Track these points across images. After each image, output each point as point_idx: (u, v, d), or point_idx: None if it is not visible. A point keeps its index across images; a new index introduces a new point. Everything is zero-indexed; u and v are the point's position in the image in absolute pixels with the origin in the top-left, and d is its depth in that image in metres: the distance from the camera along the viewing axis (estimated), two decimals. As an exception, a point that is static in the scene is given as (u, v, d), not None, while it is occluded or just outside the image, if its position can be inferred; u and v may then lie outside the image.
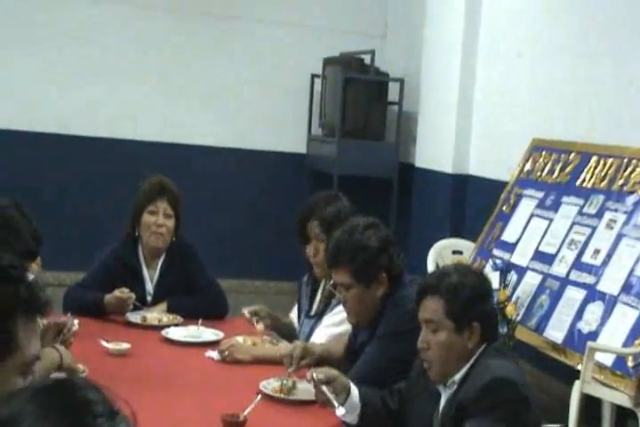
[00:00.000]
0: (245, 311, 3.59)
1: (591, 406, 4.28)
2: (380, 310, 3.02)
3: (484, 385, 2.43)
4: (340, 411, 2.65)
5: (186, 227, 4.05)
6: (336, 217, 3.42)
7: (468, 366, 2.54)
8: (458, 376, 2.55)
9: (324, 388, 2.65)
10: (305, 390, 2.88)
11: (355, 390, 2.72)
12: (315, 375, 2.67)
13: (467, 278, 2.56)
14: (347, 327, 3.27)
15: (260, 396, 2.76)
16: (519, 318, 4.90)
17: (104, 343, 3.28)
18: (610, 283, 4.49)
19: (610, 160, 5.04)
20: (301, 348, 3.15)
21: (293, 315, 3.78)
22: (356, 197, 7.26)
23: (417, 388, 2.72)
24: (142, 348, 3.37)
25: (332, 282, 3.15)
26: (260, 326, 3.57)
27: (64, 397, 1.03)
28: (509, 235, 5.54)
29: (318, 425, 2.69)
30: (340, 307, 3.25)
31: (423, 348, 2.56)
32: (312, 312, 3.53)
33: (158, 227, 3.83)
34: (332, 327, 3.36)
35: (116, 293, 3.70)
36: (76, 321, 3.01)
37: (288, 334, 3.62)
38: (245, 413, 2.61)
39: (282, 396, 2.91)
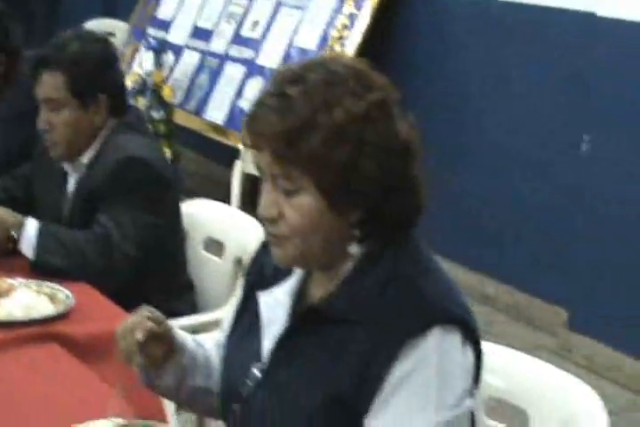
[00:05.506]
0: None
1: (253, 187, 4.20)
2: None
3: (114, 166, 2.23)
4: None
5: None
6: None
7: (97, 145, 2.31)
8: (86, 158, 2.31)
9: None
10: None
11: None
12: None
13: (90, 47, 2.32)
14: None
15: None
16: (177, 101, 4.67)
17: None
18: (269, 57, 4.31)
19: None
20: None
21: None
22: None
23: (41, 169, 2.47)
24: None
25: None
26: None
27: None
28: (164, 11, 5.12)
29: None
30: None
31: (45, 129, 2.31)
32: None
33: None
34: None
35: None
36: None
37: None
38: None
39: None
